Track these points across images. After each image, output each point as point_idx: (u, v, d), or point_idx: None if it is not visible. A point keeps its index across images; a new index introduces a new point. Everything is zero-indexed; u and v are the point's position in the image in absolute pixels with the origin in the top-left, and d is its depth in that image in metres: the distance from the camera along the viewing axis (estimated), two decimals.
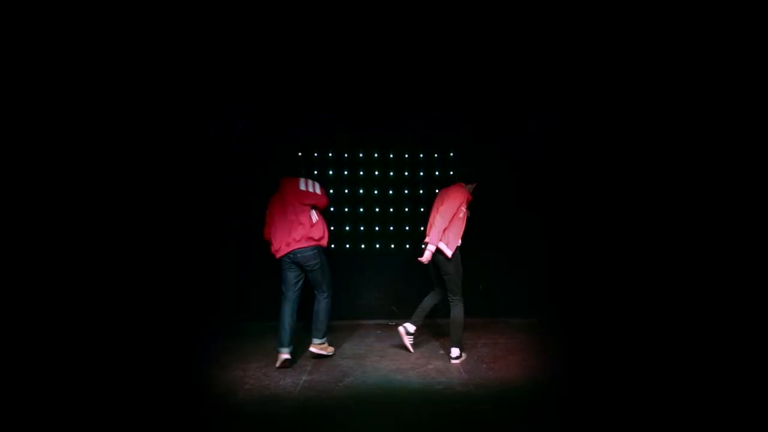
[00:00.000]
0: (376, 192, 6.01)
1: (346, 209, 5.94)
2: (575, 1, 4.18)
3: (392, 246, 5.99)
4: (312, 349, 4.41)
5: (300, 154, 5.90)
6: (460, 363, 4.31)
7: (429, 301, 4.58)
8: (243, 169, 5.83)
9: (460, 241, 4.36)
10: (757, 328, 4.06)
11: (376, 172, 6.01)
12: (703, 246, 4.63)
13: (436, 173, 6.00)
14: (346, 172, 5.99)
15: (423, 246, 4.39)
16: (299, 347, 4.84)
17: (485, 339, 5.05)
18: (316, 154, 5.93)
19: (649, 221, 5.18)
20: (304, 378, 3.95)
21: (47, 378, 3.73)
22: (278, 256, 4.31)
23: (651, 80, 4.79)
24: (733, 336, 4.24)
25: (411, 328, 4.60)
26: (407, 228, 5.99)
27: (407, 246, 5.98)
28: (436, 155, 6.03)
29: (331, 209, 5.93)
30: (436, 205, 4.48)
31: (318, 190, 4.39)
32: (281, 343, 4.25)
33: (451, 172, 5.89)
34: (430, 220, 4.44)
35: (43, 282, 4.21)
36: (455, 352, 4.37)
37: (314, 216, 4.36)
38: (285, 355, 4.21)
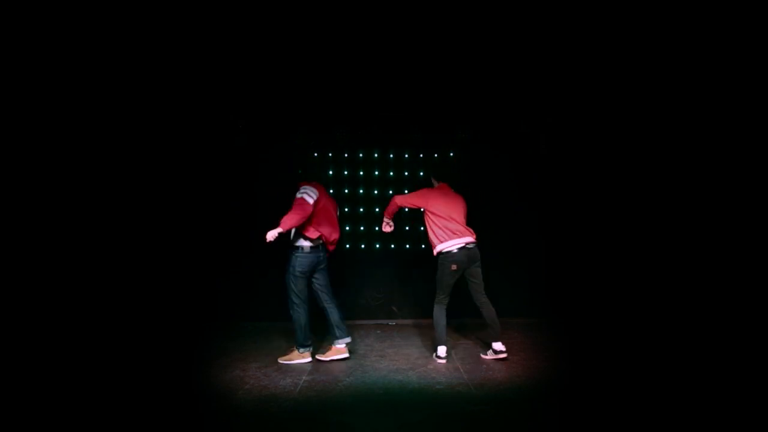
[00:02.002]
0: (375, 192, 6.00)
1: (347, 209, 5.93)
2: (578, 8, 4.19)
3: (392, 246, 5.98)
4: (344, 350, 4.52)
5: (300, 153, 5.89)
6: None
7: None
8: (243, 169, 5.82)
9: None
10: (756, 327, 4.06)
11: (376, 172, 6.00)
12: (701, 246, 4.63)
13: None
14: (345, 172, 5.98)
15: (470, 245, 4.33)
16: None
17: (485, 340, 5.03)
18: (315, 154, 5.92)
19: (647, 221, 5.18)
20: (303, 378, 3.94)
21: (48, 377, 3.73)
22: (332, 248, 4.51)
23: (651, 84, 4.80)
24: (732, 335, 4.23)
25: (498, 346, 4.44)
26: (407, 228, 5.98)
27: (407, 246, 5.98)
28: (436, 155, 6.01)
29: None
30: (453, 206, 4.42)
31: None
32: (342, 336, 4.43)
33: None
34: (457, 220, 4.37)
35: (45, 282, 4.22)
36: (501, 345, 4.39)
37: None
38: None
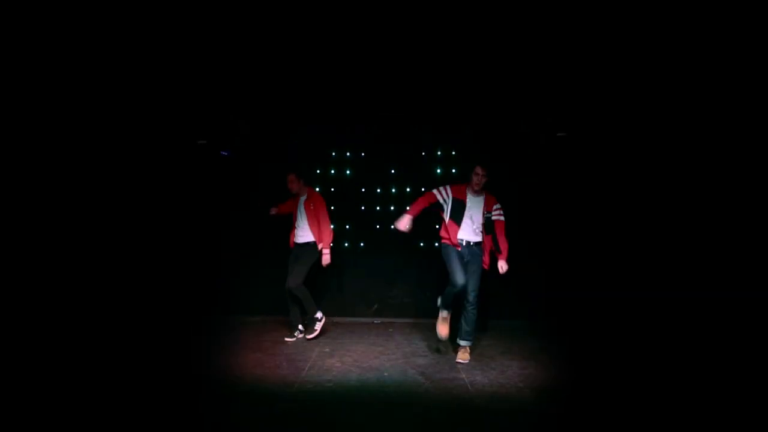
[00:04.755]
0: (378, 190, 5.99)
1: (348, 207, 5.94)
2: (580, 8, 4.16)
3: (392, 244, 5.97)
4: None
5: (301, 151, 5.90)
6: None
7: None
8: (242, 164, 5.85)
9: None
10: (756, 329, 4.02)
11: (378, 171, 5.99)
12: (700, 247, 4.59)
13: (438, 171, 5.97)
14: (348, 171, 5.98)
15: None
16: (304, 343, 4.88)
17: (484, 341, 5.02)
18: (317, 153, 5.94)
19: (646, 224, 5.14)
20: (301, 375, 3.95)
21: (46, 371, 3.76)
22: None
23: (647, 84, 4.75)
24: (734, 337, 4.19)
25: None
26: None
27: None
28: (439, 153, 5.99)
29: (332, 207, 5.91)
30: None
31: None
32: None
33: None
34: None
35: (43, 277, 4.26)
36: None
37: None
38: None
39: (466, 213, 4.44)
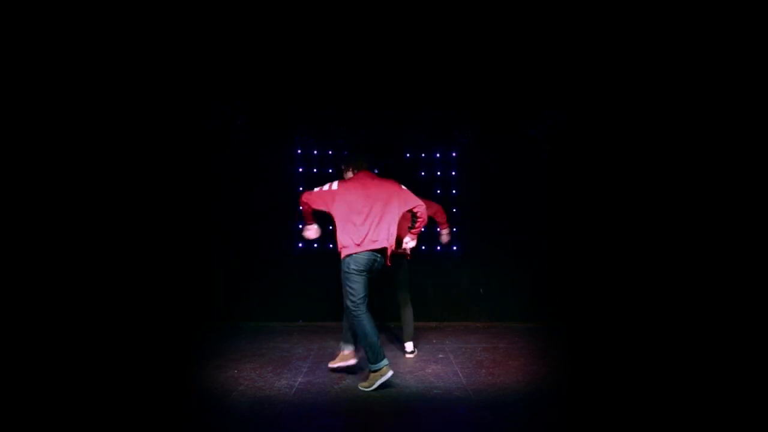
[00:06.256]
0: None
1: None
2: (579, 7, 4.13)
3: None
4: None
5: (299, 152, 5.82)
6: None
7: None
8: (241, 168, 5.76)
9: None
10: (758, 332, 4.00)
11: (376, 171, 5.91)
12: (706, 250, 4.56)
13: (438, 173, 5.92)
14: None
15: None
16: (300, 349, 4.77)
17: (485, 344, 4.97)
18: (315, 152, 5.86)
19: (652, 223, 5.11)
20: (299, 380, 3.88)
21: (41, 378, 3.66)
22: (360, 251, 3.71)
23: (654, 81, 4.73)
24: (735, 339, 4.17)
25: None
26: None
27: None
28: (438, 155, 5.94)
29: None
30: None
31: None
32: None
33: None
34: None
35: (37, 282, 4.13)
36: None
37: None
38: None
39: None
